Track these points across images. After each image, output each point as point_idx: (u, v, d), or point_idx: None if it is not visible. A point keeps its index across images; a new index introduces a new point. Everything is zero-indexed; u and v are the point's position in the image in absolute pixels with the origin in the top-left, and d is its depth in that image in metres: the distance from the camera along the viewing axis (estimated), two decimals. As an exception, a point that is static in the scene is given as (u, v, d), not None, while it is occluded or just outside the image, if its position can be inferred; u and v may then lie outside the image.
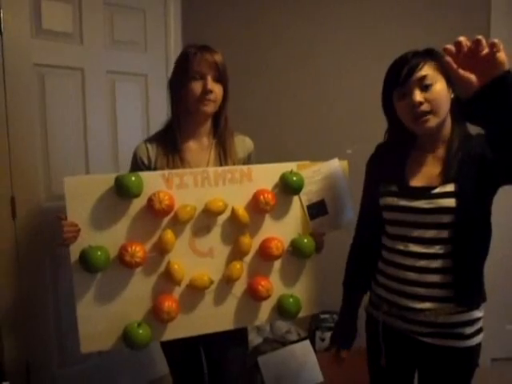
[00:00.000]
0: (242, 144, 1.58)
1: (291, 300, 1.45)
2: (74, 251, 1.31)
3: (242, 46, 2.43)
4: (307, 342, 2.31)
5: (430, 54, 1.17)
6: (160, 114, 2.33)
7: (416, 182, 1.23)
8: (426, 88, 1.14)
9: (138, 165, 1.48)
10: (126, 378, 2.30)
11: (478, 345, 1.23)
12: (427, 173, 1.22)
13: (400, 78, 1.16)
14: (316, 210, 1.47)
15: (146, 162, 1.48)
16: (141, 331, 1.31)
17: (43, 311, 2.02)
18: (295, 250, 1.45)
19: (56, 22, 1.96)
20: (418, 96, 1.14)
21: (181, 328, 1.40)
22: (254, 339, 2.32)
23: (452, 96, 1.17)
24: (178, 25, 2.41)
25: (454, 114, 1.20)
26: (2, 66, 1.80)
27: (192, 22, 2.44)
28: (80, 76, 2.06)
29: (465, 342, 1.20)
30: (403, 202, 1.21)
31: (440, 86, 1.15)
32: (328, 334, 2.37)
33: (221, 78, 1.44)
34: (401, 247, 1.24)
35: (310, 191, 1.47)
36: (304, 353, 2.27)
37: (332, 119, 2.50)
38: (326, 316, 2.41)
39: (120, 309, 1.35)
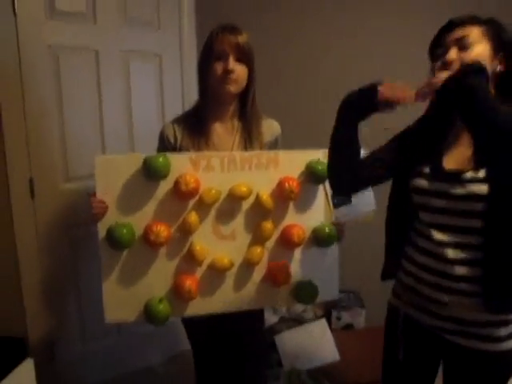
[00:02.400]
0: (270, 127, 1.56)
1: (308, 286, 1.47)
2: (102, 229, 1.34)
3: (259, 27, 2.34)
4: (323, 321, 2.33)
5: (484, 22, 1.06)
6: (174, 93, 2.32)
7: (450, 163, 1.11)
8: (463, 48, 1.04)
9: (164, 143, 1.50)
10: (146, 353, 2.34)
11: None
12: (461, 154, 1.09)
13: (439, 37, 1.08)
14: (340, 199, 1.47)
15: (172, 141, 1.49)
16: (161, 307, 1.36)
17: (63, 289, 2.06)
18: (317, 239, 1.46)
19: (69, 2, 1.93)
20: (453, 53, 1.04)
21: (200, 306, 1.42)
22: (270, 318, 2.33)
23: (498, 69, 1.05)
24: (191, 3, 2.35)
25: (496, 90, 1.06)
26: (17, 48, 1.78)
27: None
28: (94, 56, 2.03)
29: (495, 345, 1.06)
30: (435, 186, 1.10)
31: (481, 50, 1.04)
32: (344, 314, 2.39)
33: (244, 58, 1.41)
34: (430, 234, 1.12)
35: None
36: (320, 331, 2.29)
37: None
38: (342, 295, 2.42)
39: (143, 285, 1.39)
